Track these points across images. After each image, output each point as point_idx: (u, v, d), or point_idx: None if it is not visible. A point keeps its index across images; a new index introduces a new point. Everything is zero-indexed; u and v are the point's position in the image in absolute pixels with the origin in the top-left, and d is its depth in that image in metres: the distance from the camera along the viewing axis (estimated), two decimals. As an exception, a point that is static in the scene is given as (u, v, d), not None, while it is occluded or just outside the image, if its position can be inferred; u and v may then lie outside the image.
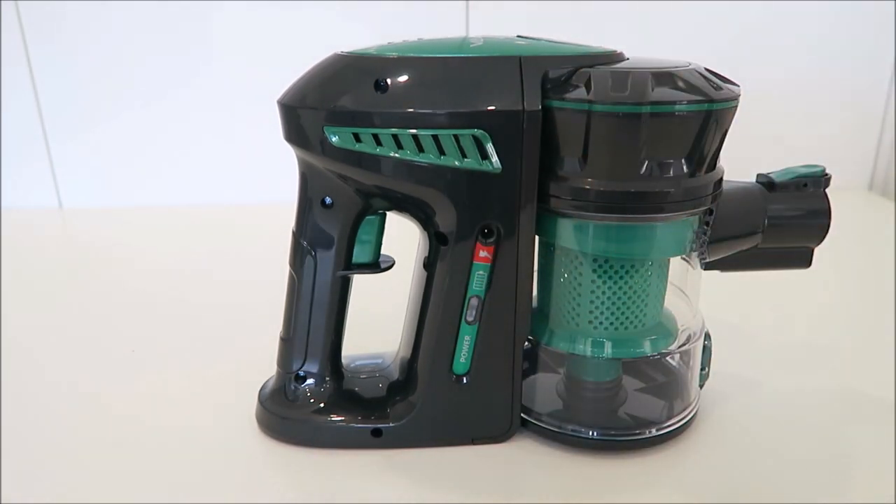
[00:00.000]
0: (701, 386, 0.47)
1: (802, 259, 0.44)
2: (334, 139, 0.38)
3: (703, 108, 0.36)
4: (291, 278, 0.43)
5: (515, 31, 0.45)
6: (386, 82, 0.37)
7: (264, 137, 0.71)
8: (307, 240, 0.42)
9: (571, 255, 0.41)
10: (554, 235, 0.41)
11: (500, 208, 0.39)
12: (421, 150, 0.38)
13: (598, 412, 0.45)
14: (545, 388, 0.47)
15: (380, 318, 0.50)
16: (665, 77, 0.36)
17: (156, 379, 0.52)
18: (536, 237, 0.41)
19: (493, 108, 0.37)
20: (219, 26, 0.91)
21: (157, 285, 0.71)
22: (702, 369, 0.46)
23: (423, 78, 0.37)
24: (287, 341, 0.44)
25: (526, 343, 0.42)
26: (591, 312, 0.41)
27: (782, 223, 0.42)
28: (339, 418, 0.44)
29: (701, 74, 0.37)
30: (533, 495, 0.40)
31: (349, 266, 0.43)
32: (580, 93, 0.36)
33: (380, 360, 0.48)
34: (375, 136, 0.38)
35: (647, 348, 0.42)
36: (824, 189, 0.43)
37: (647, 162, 0.37)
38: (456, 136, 0.37)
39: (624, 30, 0.93)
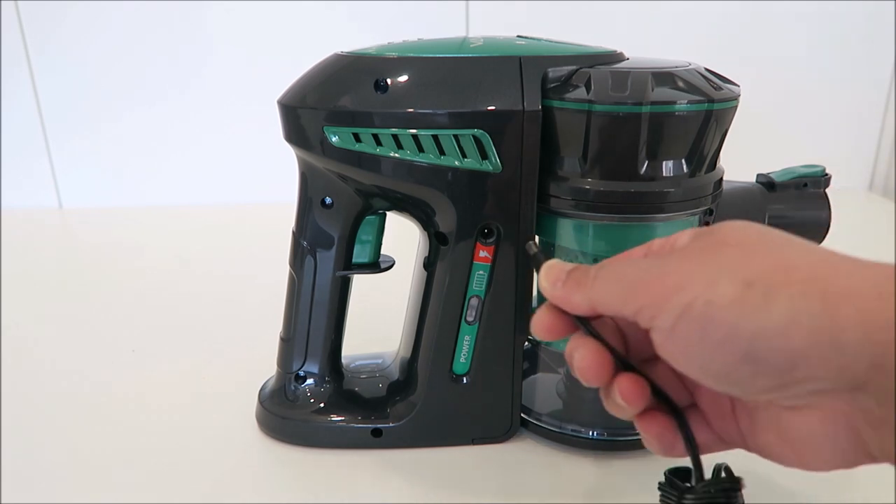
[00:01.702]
0: (701, 386, 0.47)
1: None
2: (334, 139, 0.38)
3: (703, 108, 0.36)
4: (291, 278, 0.43)
5: (515, 31, 0.45)
6: (386, 82, 0.37)
7: (264, 137, 0.71)
8: (307, 240, 0.42)
9: (571, 255, 0.41)
10: (554, 235, 0.41)
11: (500, 208, 0.39)
12: (421, 150, 0.38)
13: (598, 412, 0.45)
14: (545, 388, 0.47)
15: (380, 318, 0.50)
16: (665, 77, 0.36)
17: (156, 379, 0.52)
18: (536, 237, 0.41)
19: (493, 108, 0.37)
20: (218, 26, 0.91)
21: (158, 285, 0.71)
22: (702, 369, 0.46)
23: (423, 78, 0.37)
24: (287, 341, 0.44)
25: (526, 343, 0.42)
26: (591, 312, 0.41)
27: (782, 223, 0.42)
28: (339, 418, 0.44)
29: (701, 74, 0.37)
30: (533, 495, 0.40)
31: (349, 266, 0.43)
32: (580, 93, 0.36)
33: (380, 360, 0.48)
34: (375, 136, 0.38)
35: (647, 348, 0.42)
36: (824, 189, 0.43)
37: (646, 162, 0.37)
38: (456, 136, 0.37)
39: (624, 30, 0.93)
